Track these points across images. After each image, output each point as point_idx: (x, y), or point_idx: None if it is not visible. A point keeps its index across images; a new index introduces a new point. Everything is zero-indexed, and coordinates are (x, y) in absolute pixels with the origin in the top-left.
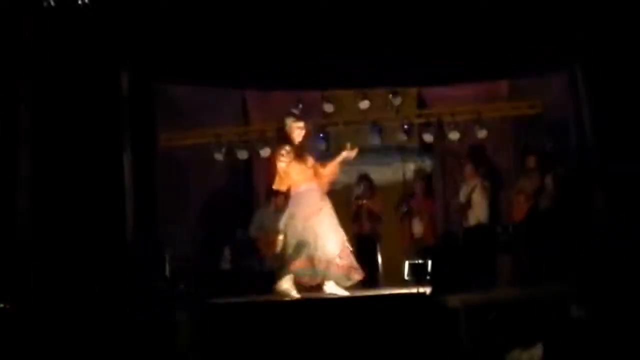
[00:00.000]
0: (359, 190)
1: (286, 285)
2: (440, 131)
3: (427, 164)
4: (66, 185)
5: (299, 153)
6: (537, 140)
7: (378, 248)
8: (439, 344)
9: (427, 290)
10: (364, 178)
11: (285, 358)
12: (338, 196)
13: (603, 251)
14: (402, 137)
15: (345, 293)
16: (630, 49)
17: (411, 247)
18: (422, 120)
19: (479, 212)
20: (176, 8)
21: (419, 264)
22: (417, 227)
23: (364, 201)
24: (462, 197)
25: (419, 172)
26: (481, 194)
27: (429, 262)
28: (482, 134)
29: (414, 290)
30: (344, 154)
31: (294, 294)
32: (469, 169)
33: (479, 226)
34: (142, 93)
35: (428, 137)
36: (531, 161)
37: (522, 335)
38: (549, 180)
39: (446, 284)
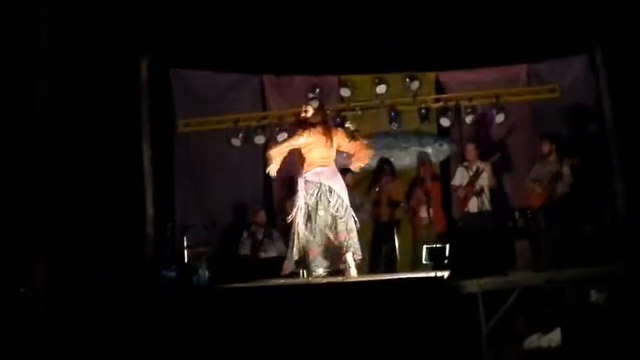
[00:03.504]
0: (381, 176)
1: (320, 269)
2: (458, 116)
3: (445, 148)
4: (85, 171)
5: (326, 132)
6: (554, 126)
7: (396, 233)
8: (457, 328)
9: (445, 274)
10: (386, 163)
11: (305, 341)
12: (356, 181)
13: (622, 237)
14: (420, 122)
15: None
16: None
17: (424, 233)
18: (439, 105)
19: (483, 197)
20: None
21: (437, 248)
22: (423, 213)
23: (385, 186)
24: (456, 180)
25: (425, 157)
26: (487, 178)
27: (447, 247)
28: (500, 118)
29: (432, 274)
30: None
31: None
32: (470, 149)
33: (488, 212)
34: (161, 80)
35: (446, 122)
36: (546, 147)
37: (540, 319)
38: (566, 167)
39: (464, 268)
